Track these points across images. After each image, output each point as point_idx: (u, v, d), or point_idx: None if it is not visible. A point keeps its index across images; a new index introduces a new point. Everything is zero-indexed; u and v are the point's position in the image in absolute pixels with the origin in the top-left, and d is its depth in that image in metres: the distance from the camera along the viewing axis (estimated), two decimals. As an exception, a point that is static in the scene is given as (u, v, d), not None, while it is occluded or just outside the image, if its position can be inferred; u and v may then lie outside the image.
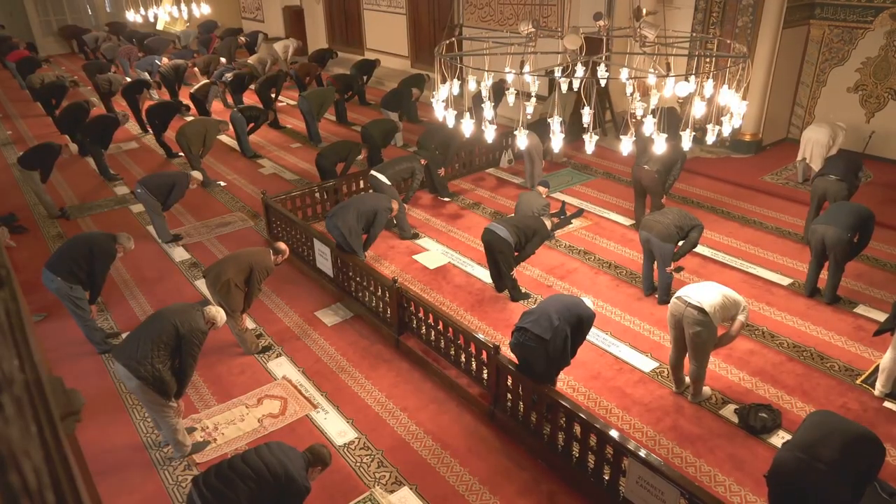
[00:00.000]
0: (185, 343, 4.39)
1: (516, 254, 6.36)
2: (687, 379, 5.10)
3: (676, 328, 4.89)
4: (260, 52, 15.66)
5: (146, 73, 14.55)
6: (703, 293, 4.74)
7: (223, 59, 15.11)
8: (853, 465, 3.22)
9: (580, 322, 4.56)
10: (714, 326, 4.72)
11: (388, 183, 7.85)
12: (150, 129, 11.43)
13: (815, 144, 8.44)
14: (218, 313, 4.69)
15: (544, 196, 7.31)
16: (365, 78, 14.05)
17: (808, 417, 3.58)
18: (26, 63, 15.16)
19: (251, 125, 10.88)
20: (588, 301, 4.73)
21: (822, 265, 6.25)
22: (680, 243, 6.05)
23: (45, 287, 5.69)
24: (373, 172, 7.97)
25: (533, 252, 6.50)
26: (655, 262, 6.28)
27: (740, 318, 4.82)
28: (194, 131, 9.51)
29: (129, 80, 13.45)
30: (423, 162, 8.34)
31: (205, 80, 13.38)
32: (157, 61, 14.74)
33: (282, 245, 5.93)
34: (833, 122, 8.64)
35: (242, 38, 17.66)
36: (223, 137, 11.34)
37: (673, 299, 4.87)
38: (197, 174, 8.05)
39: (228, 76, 13.26)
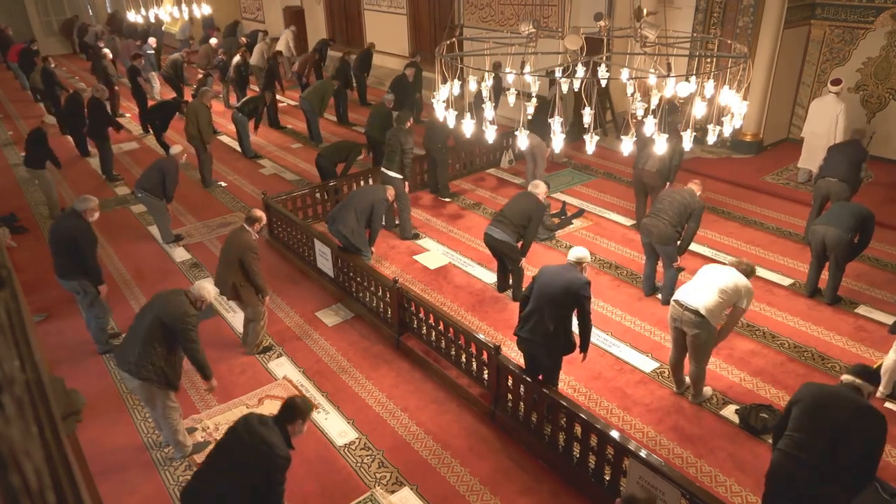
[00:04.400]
0: (178, 335, 4.32)
1: (520, 245, 6.33)
2: (687, 379, 5.10)
3: (677, 330, 4.89)
4: (255, 56, 15.54)
5: (149, 69, 14.61)
6: (698, 295, 4.71)
7: (221, 50, 15.07)
8: (849, 458, 3.22)
9: (577, 302, 4.49)
10: (712, 327, 4.71)
11: (400, 176, 7.77)
12: (150, 130, 11.46)
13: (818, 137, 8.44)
14: (202, 289, 4.54)
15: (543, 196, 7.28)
16: (366, 75, 14.03)
17: (800, 404, 3.44)
18: (27, 60, 15.19)
19: (254, 119, 10.81)
20: (578, 253, 4.57)
21: (822, 266, 6.25)
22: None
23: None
24: (383, 169, 7.90)
25: (535, 236, 6.39)
26: (658, 263, 6.31)
27: (740, 305, 4.74)
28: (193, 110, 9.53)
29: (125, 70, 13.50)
30: (406, 125, 8.05)
31: (203, 74, 13.46)
32: (149, 52, 14.80)
33: (255, 213, 5.71)
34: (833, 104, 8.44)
35: (244, 39, 17.65)
36: (224, 138, 11.37)
37: (672, 302, 4.87)
38: (177, 147, 7.84)
39: (231, 75, 13.28)
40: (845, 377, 3.42)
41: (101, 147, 10.03)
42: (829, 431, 3.27)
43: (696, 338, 4.72)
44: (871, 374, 3.42)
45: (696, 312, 4.64)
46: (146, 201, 7.64)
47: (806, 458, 3.31)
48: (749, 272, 4.87)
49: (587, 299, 4.49)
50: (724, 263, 5.02)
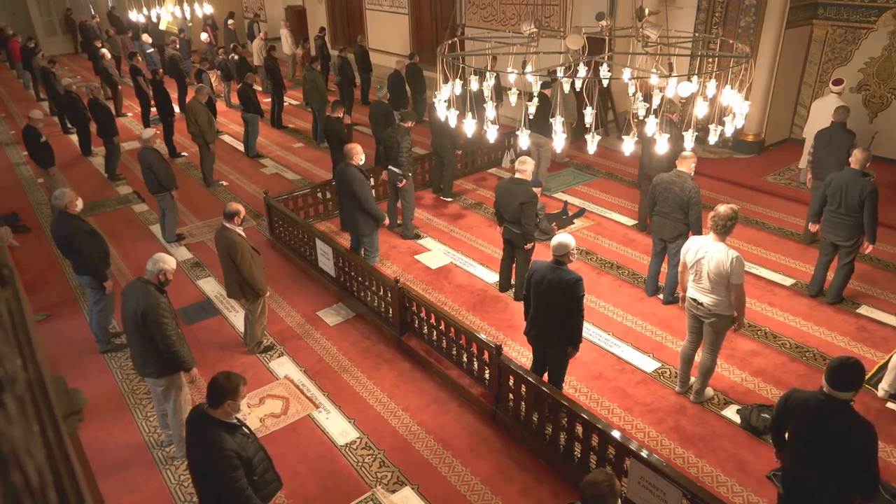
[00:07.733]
0: (151, 328, 4.27)
1: (527, 246, 6.27)
2: (692, 379, 5.10)
3: (694, 317, 4.97)
4: (255, 56, 15.53)
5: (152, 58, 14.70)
6: (704, 292, 4.75)
7: (220, 49, 15.12)
8: (852, 470, 3.25)
9: (574, 303, 4.51)
10: (727, 315, 4.76)
11: (410, 173, 7.73)
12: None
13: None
14: (158, 262, 4.40)
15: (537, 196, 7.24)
16: (370, 74, 14.03)
17: (791, 425, 3.47)
18: (28, 59, 15.23)
19: (259, 113, 10.81)
20: (559, 245, 4.51)
21: (830, 264, 6.24)
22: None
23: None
24: (390, 167, 7.86)
25: (531, 218, 6.19)
26: (664, 263, 6.37)
27: (735, 282, 4.62)
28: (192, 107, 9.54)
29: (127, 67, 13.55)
30: (408, 124, 7.85)
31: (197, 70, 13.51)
32: (149, 50, 14.88)
33: (231, 207, 5.47)
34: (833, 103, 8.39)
35: (231, 22, 17.57)
36: (226, 137, 11.36)
37: (687, 297, 4.94)
38: (148, 131, 7.80)
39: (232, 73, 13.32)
40: (824, 387, 3.29)
41: (108, 146, 10.03)
42: (824, 456, 3.30)
43: (714, 325, 4.83)
44: (848, 380, 3.23)
45: (708, 309, 4.76)
46: (159, 201, 7.74)
47: (810, 482, 3.39)
48: (728, 224, 4.66)
49: (581, 298, 4.49)
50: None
